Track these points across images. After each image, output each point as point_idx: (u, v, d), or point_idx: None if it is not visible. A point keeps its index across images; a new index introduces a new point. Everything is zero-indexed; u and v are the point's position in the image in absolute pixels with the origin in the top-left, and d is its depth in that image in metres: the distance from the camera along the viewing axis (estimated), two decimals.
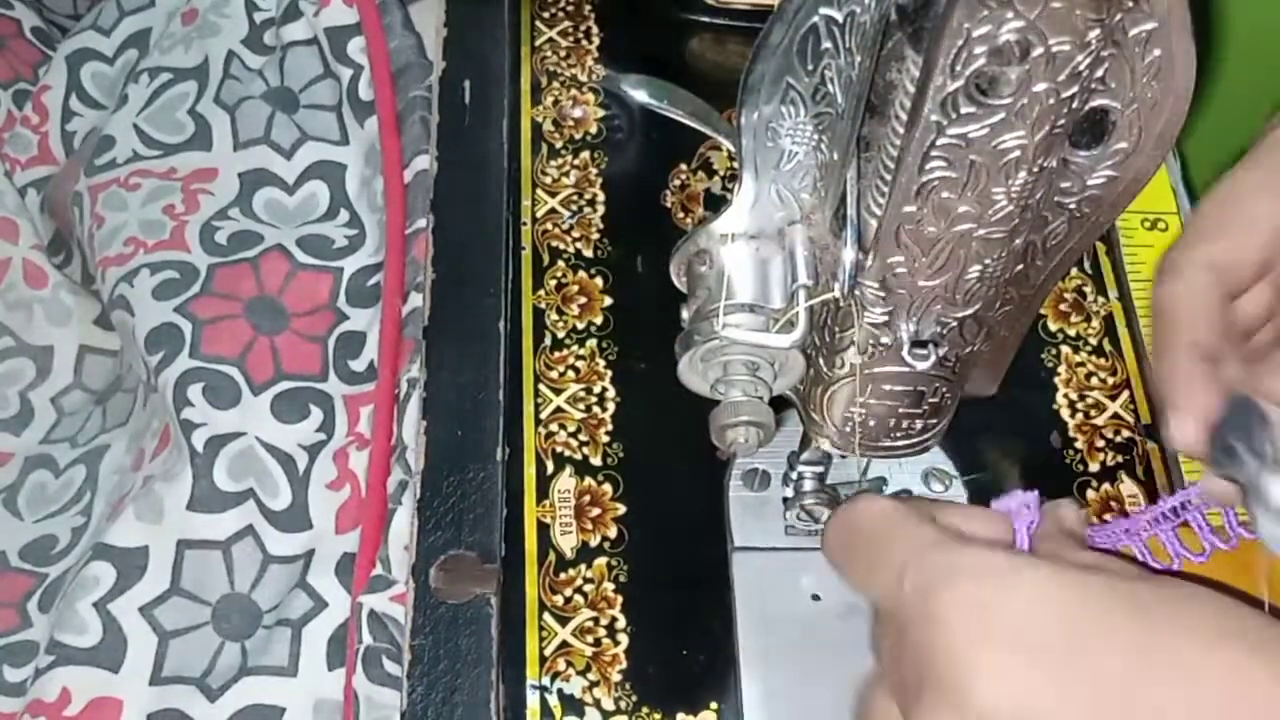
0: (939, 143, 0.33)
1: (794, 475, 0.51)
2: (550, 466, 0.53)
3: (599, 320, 0.57)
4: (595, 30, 0.66)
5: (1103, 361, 0.57)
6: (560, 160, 0.61)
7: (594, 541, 0.51)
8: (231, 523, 0.54)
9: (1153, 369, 0.42)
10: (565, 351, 0.56)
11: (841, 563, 0.40)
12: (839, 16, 0.35)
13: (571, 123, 0.63)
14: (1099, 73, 0.34)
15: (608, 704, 0.48)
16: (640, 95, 0.47)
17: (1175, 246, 0.41)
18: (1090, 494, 0.54)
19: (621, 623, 0.50)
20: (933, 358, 0.40)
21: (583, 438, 0.54)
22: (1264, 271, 0.42)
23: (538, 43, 0.65)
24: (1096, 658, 0.33)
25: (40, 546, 0.59)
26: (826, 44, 0.36)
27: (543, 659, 0.49)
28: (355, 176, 0.64)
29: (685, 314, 0.43)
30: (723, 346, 0.42)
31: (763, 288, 0.41)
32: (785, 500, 0.52)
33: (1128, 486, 0.54)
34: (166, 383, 0.56)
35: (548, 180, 0.61)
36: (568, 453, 0.53)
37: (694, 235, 0.42)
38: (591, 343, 0.56)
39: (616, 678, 0.49)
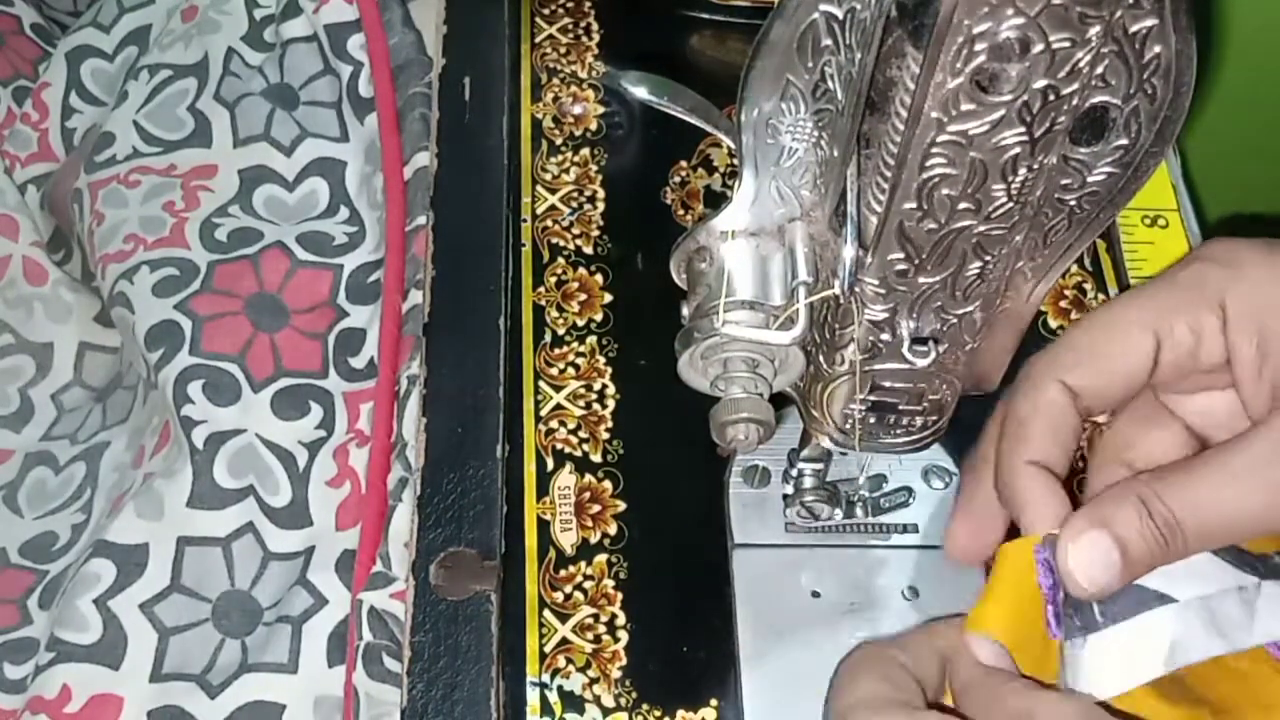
0: (939, 140, 0.33)
1: (794, 472, 0.51)
2: (550, 463, 0.53)
3: (599, 317, 0.57)
4: (595, 27, 0.66)
5: None
6: (560, 157, 0.61)
7: (594, 538, 0.51)
8: (232, 520, 0.54)
9: (997, 478, 0.42)
10: (565, 348, 0.56)
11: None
12: (839, 13, 0.35)
13: (572, 119, 0.63)
14: (1099, 69, 0.34)
15: (608, 701, 0.48)
16: (640, 92, 0.47)
17: (1042, 359, 0.42)
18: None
19: (621, 619, 0.50)
20: (933, 355, 0.40)
21: (583, 435, 0.54)
22: (1124, 402, 0.42)
23: (538, 39, 0.65)
24: None
25: (40, 543, 0.59)
26: (827, 41, 0.36)
27: (543, 656, 0.49)
28: (355, 173, 0.64)
29: (685, 311, 0.43)
30: (723, 343, 0.42)
31: (763, 285, 0.41)
32: (785, 497, 0.52)
33: None
34: (166, 380, 0.56)
35: (548, 177, 0.61)
36: (568, 450, 0.53)
37: (694, 232, 0.42)
38: (591, 340, 0.56)
39: (616, 674, 0.49)
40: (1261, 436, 0.38)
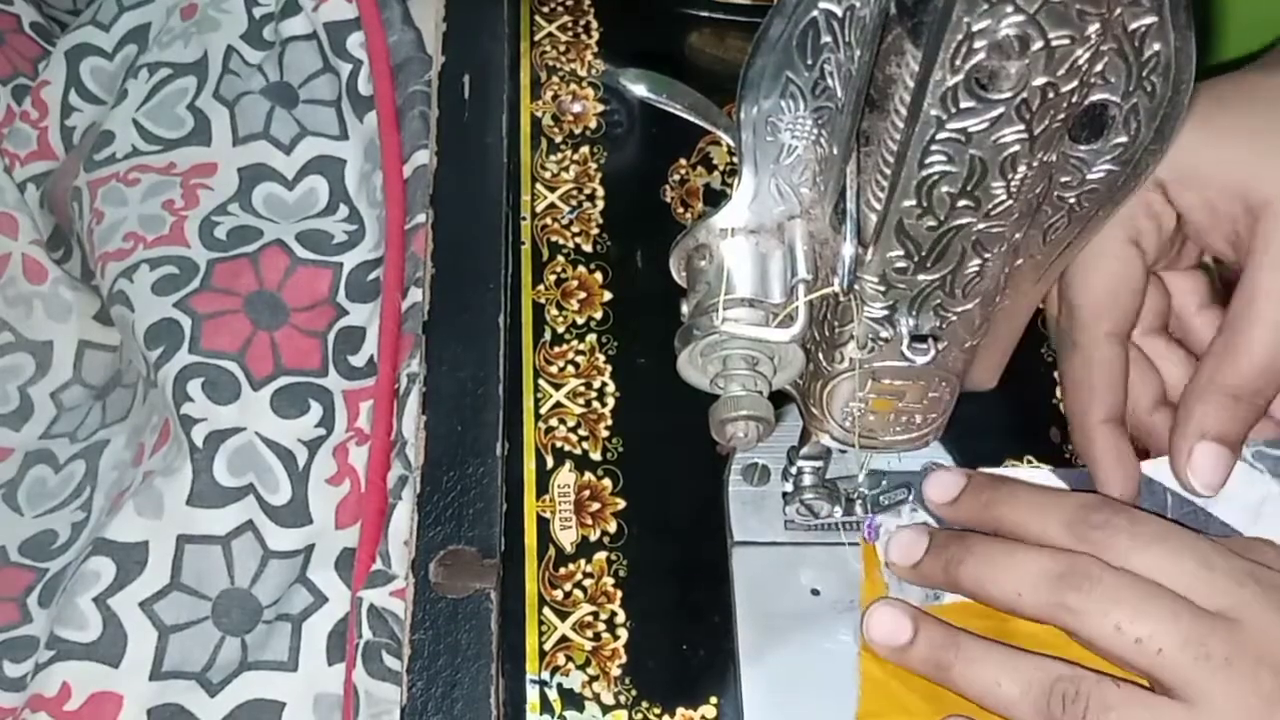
0: (939, 137, 0.33)
1: (793, 470, 0.51)
2: (550, 461, 0.53)
3: (598, 315, 0.57)
4: (594, 25, 0.66)
5: None
6: (560, 155, 0.61)
7: (594, 536, 0.51)
8: (231, 518, 0.54)
9: (1074, 439, 0.50)
10: (565, 346, 0.56)
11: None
12: (838, 11, 0.35)
13: (571, 117, 0.63)
14: (1098, 67, 0.34)
15: (607, 698, 0.48)
16: (640, 90, 0.47)
17: (1075, 320, 0.48)
18: None
19: (621, 617, 0.50)
20: (932, 352, 0.40)
21: (582, 433, 0.54)
22: (1142, 297, 0.48)
23: (537, 37, 0.65)
24: None
25: (40, 541, 0.59)
26: (826, 38, 0.36)
27: (542, 653, 0.49)
28: (355, 171, 0.64)
29: (685, 309, 0.43)
30: (722, 341, 0.42)
31: (762, 282, 0.41)
32: (785, 495, 0.52)
33: None
34: (166, 378, 0.56)
35: (547, 175, 0.61)
36: (567, 448, 0.53)
37: (693, 230, 0.42)
38: (591, 338, 0.56)
39: (616, 672, 0.49)
40: (1254, 270, 0.43)
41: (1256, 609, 0.41)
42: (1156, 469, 0.50)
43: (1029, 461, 0.54)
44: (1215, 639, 0.41)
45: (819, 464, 0.50)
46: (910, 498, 0.51)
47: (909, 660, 0.46)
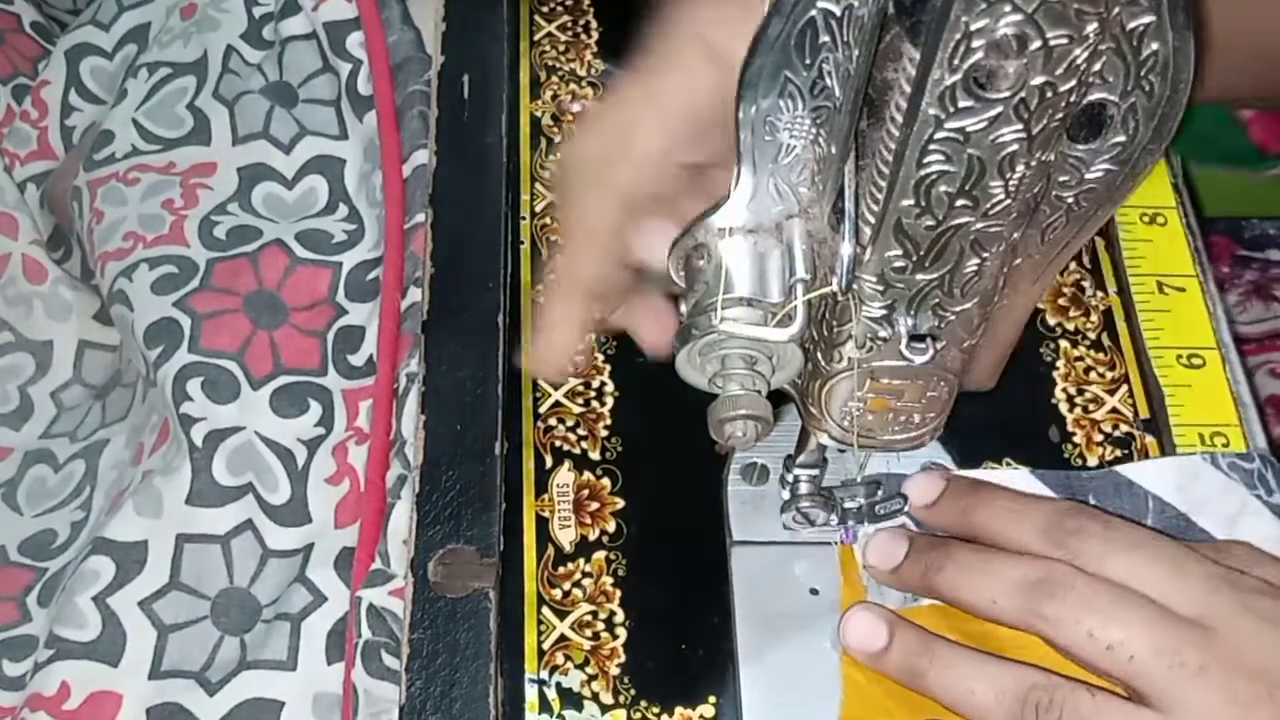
0: (937, 137, 0.33)
1: (790, 478, 0.51)
2: (549, 461, 0.53)
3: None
4: (594, 25, 0.66)
5: (1101, 356, 0.57)
6: (559, 155, 0.61)
7: (592, 535, 0.51)
8: (231, 517, 0.54)
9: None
10: None
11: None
12: (837, 10, 0.35)
13: (571, 117, 0.63)
14: (1096, 66, 0.34)
15: (606, 697, 0.48)
16: None
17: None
18: None
19: (620, 617, 0.50)
20: (931, 352, 0.40)
21: (581, 432, 0.54)
22: None
23: (536, 37, 0.65)
24: None
25: (40, 541, 0.59)
26: (824, 38, 0.36)
27: (541, 653, 0.49)
28: (354, 171, 0.64)
29: (683, 308, 0.43)
30: (721, 340, 0.42)
31: (760, 282, 0.41)
32: (783, 503, 0.52)
33: None
34: (165, 377, 0.56)
35: (547, 174, 0.61)
36: (566, 447, 0.53)
37: (692, 229, 0.42)
38: (590, 337, 0.56)
39: (615, 671, 0.49)
40: None
41: (1231, 615, 0.41)
42: (1138, 473, 0.51)
43: (1007, 463, 0.54)
44: (1190, 647, 0.41)
45: (815, 472, 0.50)
46: (906, 508, 0.51)
47: (884, 666, 0.46)
